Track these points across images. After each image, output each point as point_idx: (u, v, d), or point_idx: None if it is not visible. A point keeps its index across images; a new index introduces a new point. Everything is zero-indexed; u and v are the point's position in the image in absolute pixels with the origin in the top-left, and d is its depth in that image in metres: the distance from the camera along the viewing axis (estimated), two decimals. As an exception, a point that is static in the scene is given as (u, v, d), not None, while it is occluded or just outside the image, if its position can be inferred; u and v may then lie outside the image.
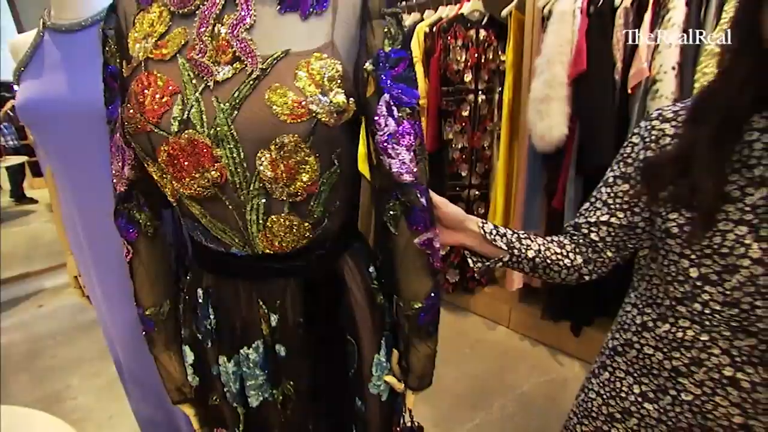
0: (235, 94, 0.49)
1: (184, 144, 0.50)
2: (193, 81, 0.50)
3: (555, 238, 0.70)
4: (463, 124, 2.09)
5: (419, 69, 2.13)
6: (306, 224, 0.58)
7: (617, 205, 0.64)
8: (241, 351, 0.63)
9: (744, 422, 0.57)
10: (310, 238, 0.59)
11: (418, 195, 0.58)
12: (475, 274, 2.07)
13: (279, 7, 0.52)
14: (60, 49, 0.90)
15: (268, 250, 0.58)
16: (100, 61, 0.88)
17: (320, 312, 0.60)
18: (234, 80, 0.50)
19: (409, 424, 0.77)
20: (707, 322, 0.57)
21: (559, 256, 0.67)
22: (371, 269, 0.69)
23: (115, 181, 0.63)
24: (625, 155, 0.64)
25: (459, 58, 2.01)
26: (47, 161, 1.01)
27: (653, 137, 0.59)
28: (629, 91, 1.48)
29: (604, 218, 0.65)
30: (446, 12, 2.07)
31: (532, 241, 0.68)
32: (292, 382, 0.64)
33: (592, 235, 0.66)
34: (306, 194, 0.55)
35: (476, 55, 2.01)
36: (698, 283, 0.56)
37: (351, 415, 0.67)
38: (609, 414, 0.70)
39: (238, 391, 0.65)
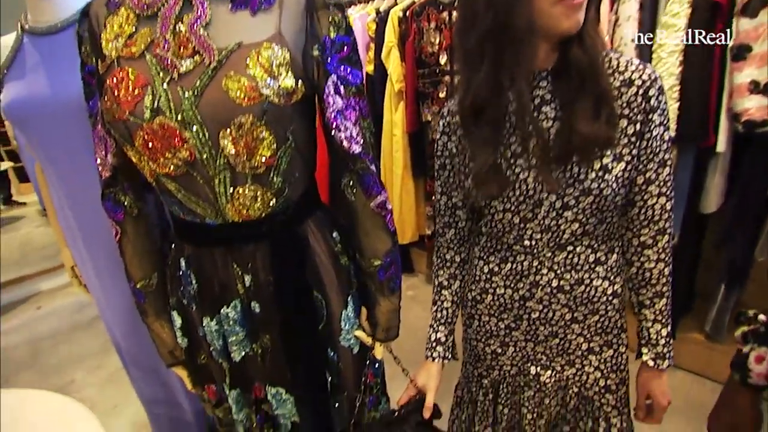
0: (197, 83, 0.57)
1: (156, 129, 0.57)
2: (160, 74, 0.57)
3: (448, 268, 0.83)
4: (441, 105, 2.15)
5: (395, 53, 2.18)
6: (268, 194, 0.65)
7: (447, 187, 0.78)
8: (222, 311, 0.70)
9: (572, 317, 0.75)
10: (273, 206, 0.66)
11: (368, 163, 0.67)
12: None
13: (231, 5, 0.59)
14: (40, 52, 0.95)
15: (237, 219, 0.65)
16: (78, 61, 0.95)
17: (287, 271, 0.68)
18: (195, 71, 0.57)
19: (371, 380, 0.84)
20: (535, 251, 0.72)
21: (460, 277, 0.84)
22: (335, 234, 0.76)
23: (100, 168, 0.69)
24: (438, 149, 0.77)
25: (433, 41, 2.06)
26: (37, 159, 1.07)
27: (451, 128, 0.73)
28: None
29: (449, 202, 0.79)
30: (418, -4, 2.12)
31: (450, 304, 0.83)
32: (268, 336, 0.71)
33: (457, 216, 0.80)
34: (265, 167, 0.62)
35: (450, 36, 2.06)
36: (522, 225, 0.70)
37: (323, 364, 0.76)
38: (493, 351, 0.83)
39: (222, 348, 0.73)
